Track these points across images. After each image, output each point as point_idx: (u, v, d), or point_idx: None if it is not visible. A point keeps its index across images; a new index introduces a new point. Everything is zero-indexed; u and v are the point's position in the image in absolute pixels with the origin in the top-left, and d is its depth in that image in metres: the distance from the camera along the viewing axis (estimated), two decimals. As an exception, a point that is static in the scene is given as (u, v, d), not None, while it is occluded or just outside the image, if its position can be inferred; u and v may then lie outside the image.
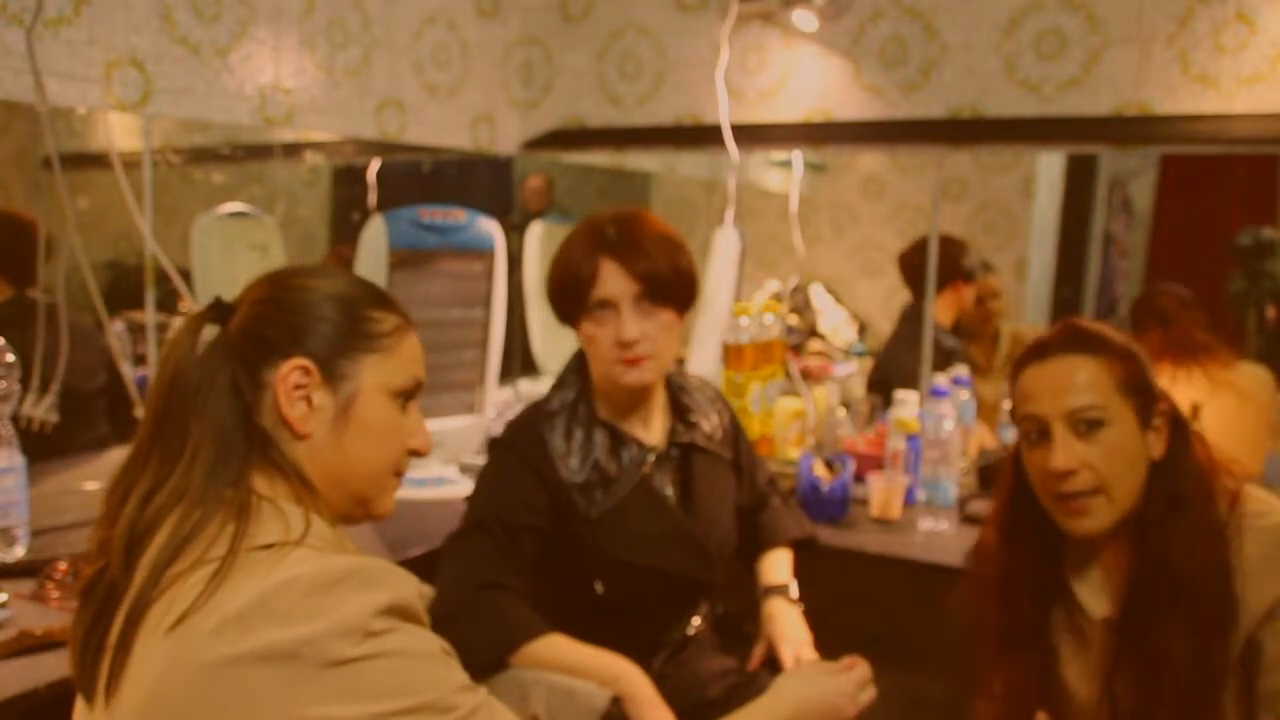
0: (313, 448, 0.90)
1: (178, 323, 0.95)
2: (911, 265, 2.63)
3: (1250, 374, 2.32)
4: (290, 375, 0.88)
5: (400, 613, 0.81)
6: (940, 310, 2.67)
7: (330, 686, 0.75)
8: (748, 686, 1.47)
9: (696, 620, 1.55)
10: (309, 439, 0.90)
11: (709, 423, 1.56)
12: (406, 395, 0.96)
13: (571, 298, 1.43)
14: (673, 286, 1.42)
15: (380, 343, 0.94)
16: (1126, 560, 1.20)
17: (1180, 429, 1.21)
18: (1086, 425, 1.16)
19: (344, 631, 0.76)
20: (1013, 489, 1.28)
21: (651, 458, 1.48)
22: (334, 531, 0.89)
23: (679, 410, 1.54)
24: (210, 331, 0.91)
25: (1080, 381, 1.17)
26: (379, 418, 0.93)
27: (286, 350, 0.89)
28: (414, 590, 0.83)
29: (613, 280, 1.40)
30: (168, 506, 0.84)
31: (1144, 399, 1.19)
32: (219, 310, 0.92)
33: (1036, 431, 1.19)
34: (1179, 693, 1.13)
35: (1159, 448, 1.19)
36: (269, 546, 0.82)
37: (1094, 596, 1.24)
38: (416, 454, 0.98)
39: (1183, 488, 1.18)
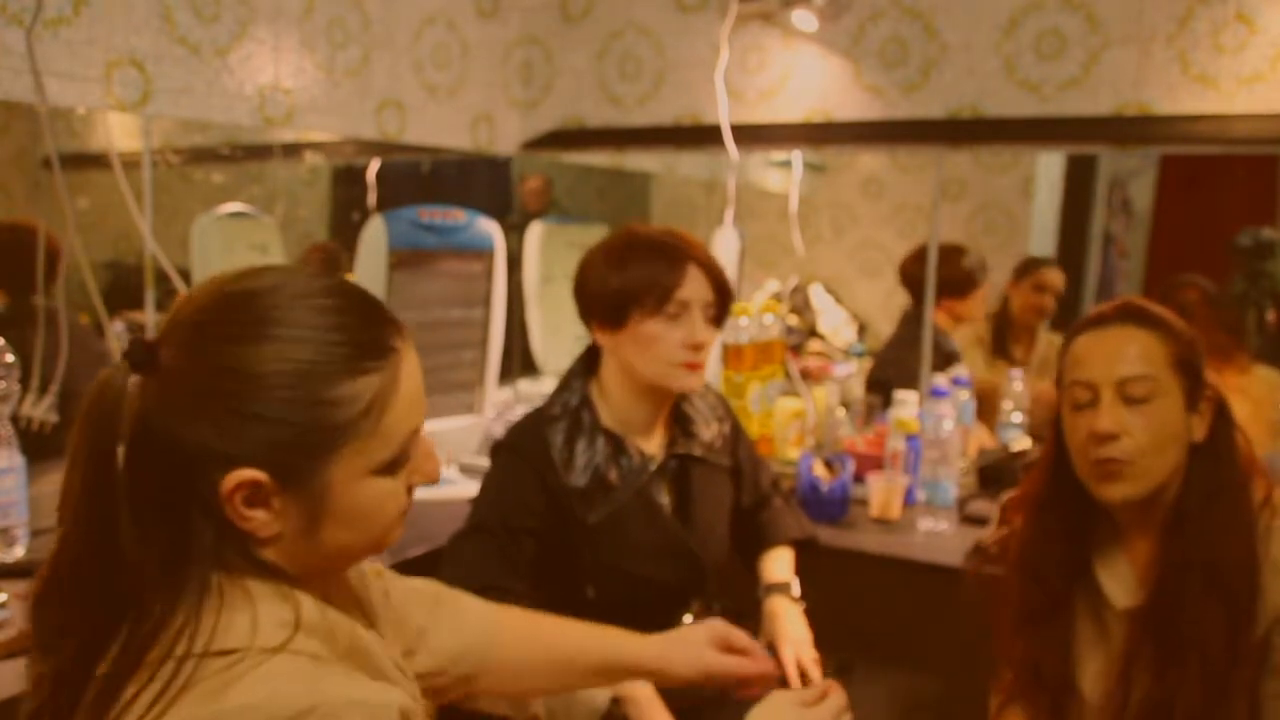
0: (285, 544, 0.75)
1: (94, 387, 0.72)
2: (911, 275, 2.62)
3: (1262, 378, 2.31)
4: (234, 492, 0.71)
5: None
6: (943, 318, 2.67)
7: None
8: (746, 685, 1.47)
9: (688, 618, 1.55)
10: (278, 538, 0.75)
11: (709, 431, 1.57)
12: (399, 460, 0.78)
13: (650, 295, 1.42)
14: (729, 304, 1.49)
15: (351, 431, 0.74)
16: (1155, 551, 1.21)
17: (1224, 418, 1.22)
18: (1135, 395, 1.17)
19: None
20: (1052, 461, 1.29)
21: (651, 467, 1.48)
22: (323, 614, 0.76)
23: (681, 419, 1.55)
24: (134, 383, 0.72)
25: (1134, 352, 1.18)
26: (363, 503, 0.77)
27: (227, 459, 0.71)
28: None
29: (696, 284, 1.44)
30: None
31: (1193, 380, 1.20)
32: (138, 359, 0.72)
33: (1084, 397, 1.20)
34: (1203, 678, 1.14)
35: (1201, 431, 1.20)
36: (229, 653, 0.68)
37: (1119, 586, 1.25)
38: (424, 484, 0.84)
39: (1223, 476, 1.19)
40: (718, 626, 1.17)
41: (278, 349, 0.72)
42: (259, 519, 0.73)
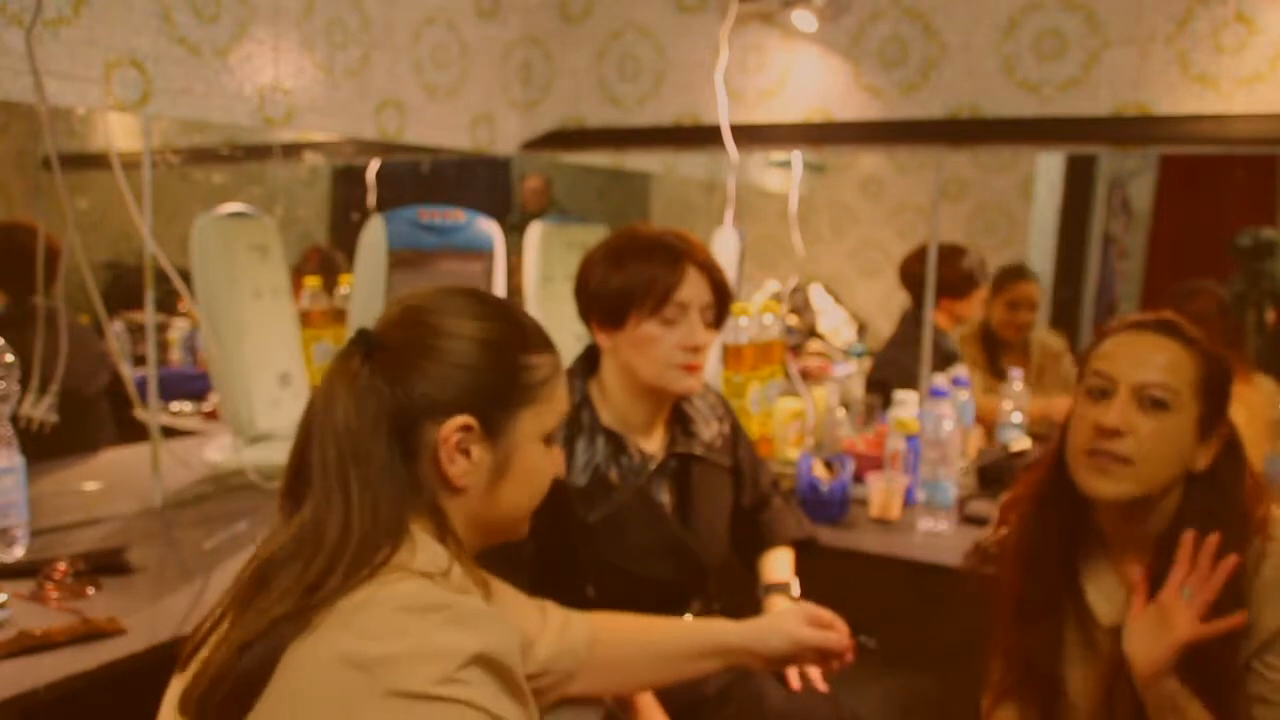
0: (465, 500, 0.91)
1: (330, 363, 0.91)
2: (912, 275, 2.61)
3: (1262, 388, 2.30)
4: (452, 436, 0.87)
5: (488, 665, 0.78)
6: (942, 318, 2.66)
7: (385, 715, 0.73)
8: (744, 683, 1.48)
9: (688, 618, 1.55)
10: (464, 492, 0.90)
11: (709, 431, 1.57)
12: (554, 436, 0.97)
13: (648, 297, 1.42)
14: (728, 306, 1.49)
15: (537, 393, 0.93)
16: (1144, 571, 1.20)
17: (1235, 452, 1.21)
18: (1151, 401, 1.16)
19: (421, 659, 0.75)
20: (1056, 458, 1.28)
21: (651, 466, 1.48)
22: (465, 583, 0.88)
23: (681, 419, 1.55)
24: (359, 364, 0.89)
25: (1162, 361, 1.18)
26: (532, 465, 0.94)
27: (448, 407, 0.88)
28: (513, 645, 0.82)
29: (695, 286, 1.43)
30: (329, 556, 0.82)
31: (1213, 409, 1.19)
32: (367, 343, 0.89)
33: (1100, 389, 1.20)
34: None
35: (1204, 461, 1.19)
36: (396, 568, 0.82)
37: (1106, 603, 1.24)
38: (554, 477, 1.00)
39: (1221, 509, 1.17)
40: (806, 606, 1.28)
41: (482, 326, 0.91)
42: (461, 465, 0.89)
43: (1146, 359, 1.18)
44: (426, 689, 0.74)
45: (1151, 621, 1.14)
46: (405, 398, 0.87)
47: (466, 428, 0.88)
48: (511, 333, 0.93)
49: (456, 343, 0.89)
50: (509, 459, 0.92)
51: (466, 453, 0.89)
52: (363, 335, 0.90)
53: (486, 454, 0.90)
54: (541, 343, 0.96)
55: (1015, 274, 2.80)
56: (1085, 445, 1.19)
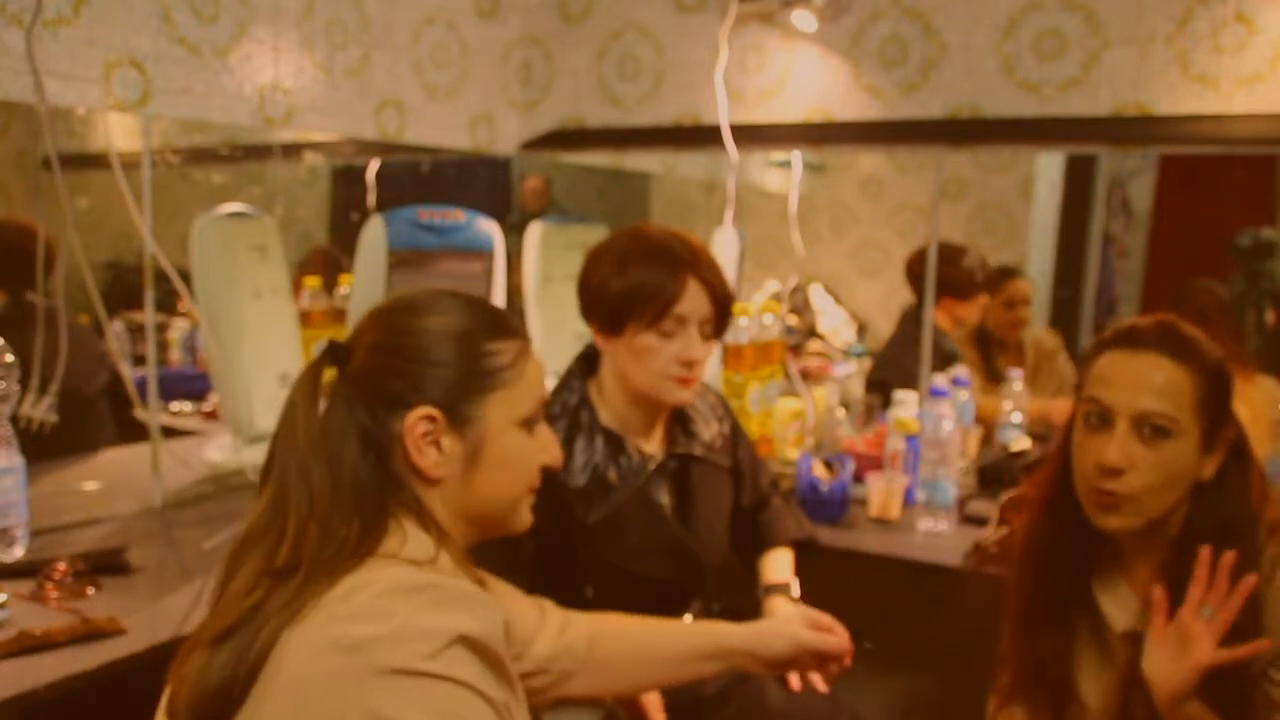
0: (445, 491, 0.92)
1: (301, 373, 0.95)
2: (918, 273, 2.61)
3: (1264, 388, 2.30)
4: (416, 426, 0.89)
5: (472, 646, 0.80)
6: (943, 318, 2.66)
7: (379, 692, 0.75)
8: (744, 683, 1.48)
9: (688, 618, 1.55)
10: (441, 484, 0.92)
11: (709, 431, 1.57)
12: (533, 419, 0.97)
13: (647, 308, 1.40)
14: (728, 316, 1.47)
15: (501, 378, 0.94)
16: (1156, 578, 1.18)
17: (1241, 456, 1.19)
18: (1151, 431, 1.14)
19: (407, 638, 0.76)
20: (1062, 463, 1.26)
21: (650, 466, 1.48)
22: (455, 570, 0.90)
23: (680, 419, 1.55)
24: (330, 374, 0.92)
25: (1161, 384, 1.13)
26: (510, 451, 0.95)
27: (410, 401, 0.89)
28: (497, 627, 0.83)
29: (695, 299, 1.42)
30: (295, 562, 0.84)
31: (1215, 421, 1.16)
32: (336, 353, 0.93)
33: (1098, 417, 1.17)
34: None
35: (1210, 470, 1.17)
36: (385, 555, 0.84)
37: (1119, 609, 1.23)
38: (548, 468, 1.00)
39: (1229, 515, 1.16)
40: (805, 609, 1.30)
41: (444, 319, 0.93)
42: (432, 457, 0.90)
43: (1144, 384, 1.14)
44: (415, 665, 0.76)
45: (1171, 644, 1.12)
46: (374, 399, 0.90)
47: (430, 419, 0.89)
48: (469, 322, 0.94)
49: (417, 338, 0.92)
50: (480, 447, 0.92)
51: (436, 444, 0.90)
52: (332, 346, 0.93)
53: (456, 443, 0.91)
54: (504, 328, 0.96)
55: (1008, 273, 2.83)
56: (1089, 482, 1.18)
